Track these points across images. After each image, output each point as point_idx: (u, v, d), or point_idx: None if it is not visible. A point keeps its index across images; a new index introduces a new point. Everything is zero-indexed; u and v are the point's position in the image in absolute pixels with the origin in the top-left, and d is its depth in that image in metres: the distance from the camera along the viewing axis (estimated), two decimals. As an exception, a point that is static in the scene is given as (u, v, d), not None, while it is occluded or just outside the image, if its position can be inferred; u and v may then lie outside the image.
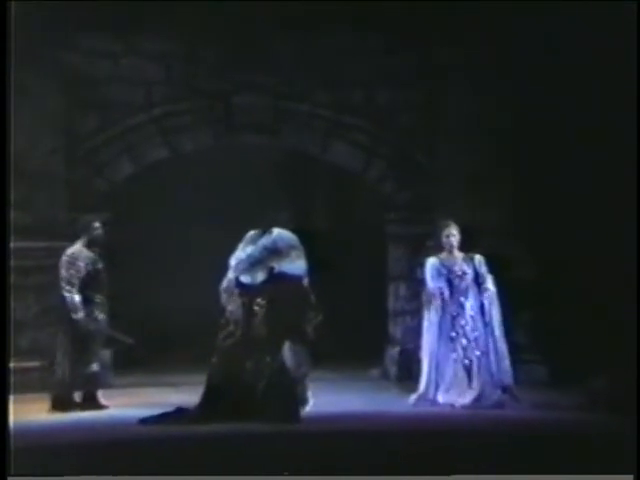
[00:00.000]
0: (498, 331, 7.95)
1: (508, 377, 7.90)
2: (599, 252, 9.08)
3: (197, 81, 9.53)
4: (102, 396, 7.87)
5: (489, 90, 9.46)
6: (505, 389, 7.87)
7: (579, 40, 8.52)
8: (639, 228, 7.70)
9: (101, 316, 7.83)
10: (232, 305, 7.30)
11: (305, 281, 7.44)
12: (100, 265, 7.90)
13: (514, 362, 8.02)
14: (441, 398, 7.90)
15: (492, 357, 7.88)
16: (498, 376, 7.87)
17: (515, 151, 9.47)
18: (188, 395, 7.64)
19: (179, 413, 7.20)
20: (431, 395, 7.91)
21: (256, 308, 7.24)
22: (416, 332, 8.29)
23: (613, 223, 8.76)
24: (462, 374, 7.91)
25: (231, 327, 7.26)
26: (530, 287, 9.37)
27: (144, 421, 7.04)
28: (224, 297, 7.38)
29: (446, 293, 7.97)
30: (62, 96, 9.25)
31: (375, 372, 9.87)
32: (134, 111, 9.49)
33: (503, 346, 7.92)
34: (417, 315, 8.36)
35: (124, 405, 7.87)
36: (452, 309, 7.99)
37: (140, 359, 9.55)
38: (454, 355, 7.93)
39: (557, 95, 8.96)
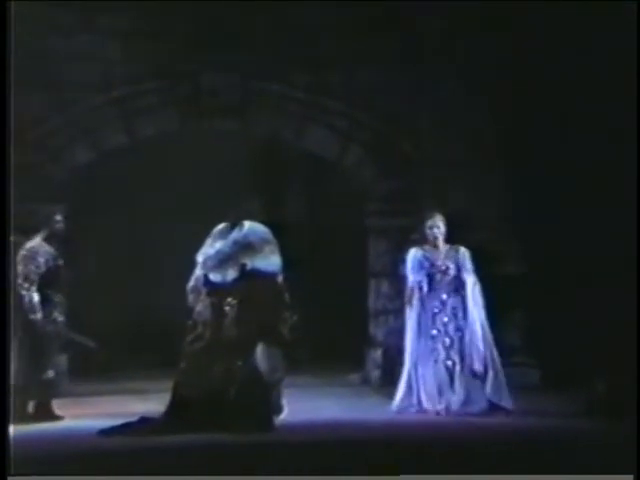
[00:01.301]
0: (480, 330, 7.94)
1: (479, 364, 7.90)
2: (596, 246, 9.16)
3: (160, 60, 9.52)
4: (57, 406, 7.79)
5: (479, 73, 9.55)
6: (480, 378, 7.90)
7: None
8: (639, 223, 7.86)
9: (60, 317, 7.78)
10: (200, 305, 7.28)
11: (279, 278, 7.43)
12: (60, 261, 7.82)
13: (504, 365, 8.05)
14: (423, 402, 7.93)
15: (475, 357, 7.90)
16: (470, 363, 7.88)
17: (507, 137, 9.55)
18: (153, 403, 7.63)
19: (143, 423, 7.18)
20: (414, 399, 7.95)
21: (226, 308, 7.22)
22: (399, 333, 8.34)
23: (612, 216, 8.87)
24: (444, 376, 7.94)
25: (199, 329, 7.25)
26: (522, 284, 9.48)
27: (104, 432, 7.00)
28: (191, 297, 7.36)
29: (424, 288, 8.02)
30: (10, 74, 9.18)
31: (355, 377, 9.92)
32: (91, 92, 9.47)
33: (481, 345, 7.91)
34: (400, 314, 8.41)
35: (82, 415, 7.82)
36: (433, 305, 8.03)
37: (101, 364, 9.51)
38: (435, 355, 7.97)
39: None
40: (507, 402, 7.85)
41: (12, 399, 6.07)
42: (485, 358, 7.91)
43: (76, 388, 8.95)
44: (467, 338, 7.95)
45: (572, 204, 9.41)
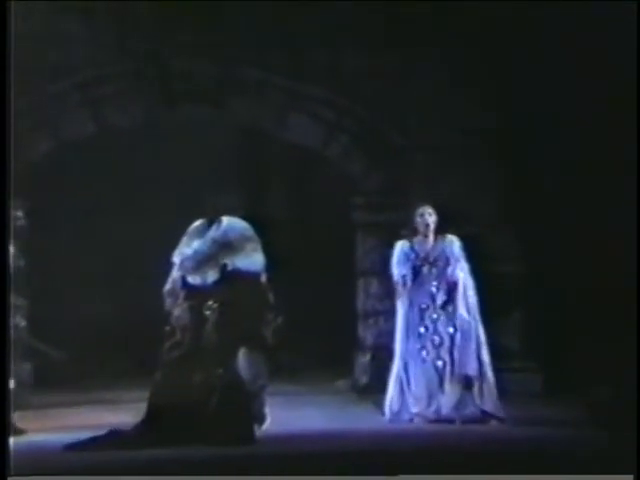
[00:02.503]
0: (473, 328, 7.94)
1: (470, 368, 7.90)
2: (600, 242, 9.22)
3: (128, 41, 9.50)
4: (18, 419, 7.69)
5: (475, 58, 9.59)
6: (468, 383, 7.91)
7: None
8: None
9: (22, 323, 7.83)
10: (178, 310, 7.28)
11: (263, 278, 7.44)
12: (22, 262, 7.87)
13: (501, 370, 8.10)
14: (411, 405, 7.96)
15: (466, 358, 7.91)
16: (459, 363, 7.91)
17: (506, 125, 9.60)
18: (126, 415, 7.63)
19: (113, 436, 7.16)
20: (404, 403, 7.97)
21: (207, 312, 7.24)
22: (390, 336, 8.36)
23: (616, 212, 8.93)
24: (433, 377, 7.95)
25: (177, 336, 7.25)
26: (521, 282, 9.52)
27: (71, 447, 6.99)
28: (168, 301, 7.35)
29: (409, 282, 8.03)
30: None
31: (343, 383, 9.97)
32: (52, 76, 9.42)
33: (473, 345, 7.94)
34: (391, 316, 8.44)
35: (46, 429, 7.80)
36: (420, 300, 8.04)
37: (68, 373, 9.52)
38: (423, 354, 7.98)
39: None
40: (497, 409, 7.87)
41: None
42: (477, 359, 7.92)
43: (40, 399, 8.90)
44: (458, 336, 7.96)
45: (575, 198, 9.49)
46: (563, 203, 9.54)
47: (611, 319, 8.85)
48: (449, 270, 8.06)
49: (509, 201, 9.69)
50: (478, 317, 8.04)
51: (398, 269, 8.11)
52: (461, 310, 8.00)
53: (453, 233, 8.29)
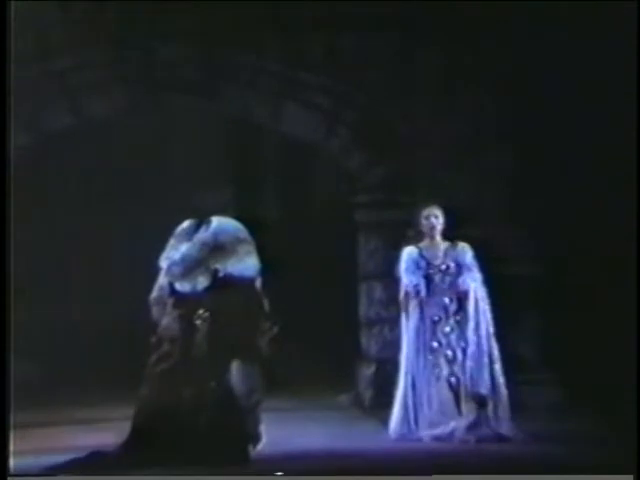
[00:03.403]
0: (485, 342, 7.95)
1: (483, 386, 7.91)
2: (620, 243, 9.14)
3: (108, 25, 9.45)
4: None
5: (484, 41, 9.55)
6: (481, 404, 7.87)
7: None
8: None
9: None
10: (166, 319, 7.27)
11: (257, 283, 7.43)
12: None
13: (516, 383, 8.08)
14: (422, 428, 7.92)
15: (468, 360, 7.92)
16: (471, 385, 7.90)
17: (519, 115, 9.57)
18: (109, 435, 7.59)
19: (95, 458, 7.14)
20: (412, 424, 7.95)
21: (197, 322, 7.22)
22: (396, 346, 8.32)
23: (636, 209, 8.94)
24: (448, 396, 7.94)
25: (165, 347, 7.23)
26: (536, 286, 9.49)
27: (49, 470, 6.95)
28: (155, 310, 7.34)
29: (423, 292, 8.02)
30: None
31: (345, 398, 9.97)
32: (24, 63, 9.35)
33: (486, 346, 7.94)
34: (397, 324, 8.41)
35: (22, 452, 7.61)
36: (432, 312, 8.05)
37: (45, 390, 9.50)
38: (437, 371, 7.97)
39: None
40: (513, 431, 7.84)
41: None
42: (490, 376, 7.92)
43: (14, 418, 8.86)
44: (470, 351, 7.94)
45: (595, 194, 9.48)
46: (582, 200, 9.54)
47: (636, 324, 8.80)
48: (460, 280, 8.07)
49: (524, 198, 9.67)
50: (492, 330, 8.02)
51: (409, 278, 8.10)
52: (472, 323, 7.99)
53: (463, 233, 8.24)
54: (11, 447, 7.69)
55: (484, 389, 7.89)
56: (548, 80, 9.53)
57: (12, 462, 7.21)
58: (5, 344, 6.25)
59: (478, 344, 7.93)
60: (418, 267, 8.09)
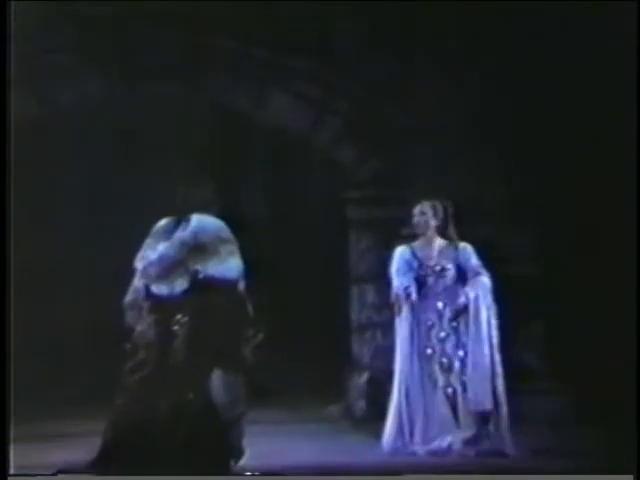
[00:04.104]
0: (488, 350, 7.87)
1: (488, 401, 7.84)
2: (629, 241, 9.06)
3: (77, 4, 9.38)
4: None
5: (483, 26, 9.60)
6: (484, 419, 7.82)
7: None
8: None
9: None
10: (142, 325, 7.19)
11: (240, 286, 7.35)
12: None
13: (519, 393, 8.04)
14: (417, 442, 7.87)
15: (470, 372, 7.85)
16: (474, 399, 7.83)
17: (520, 107, 9.59)
18: (77, 451, 7.49)
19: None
20: (405, 437, 7.90)
21: (175, 328, 7.13)
22: (390, 353, 8.29)
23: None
24: (444, 407, 7.90)
25: (141, 355, 7.14)
26: (541, 287, 9.49)
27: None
28: (130, 314, 7.27)
29: (413, 295, 7.96)
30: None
31: (335, 409, 9.97)
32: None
33: (488, 357, 7.89)
34: (390, 329, 8.37)
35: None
36: (427, 317, 7.99)
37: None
38: (432, 380, 7.94)
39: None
40: (514, 448, 7.80)
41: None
42: (492, 391, 7.87)
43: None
44: (469, 362, 7.89)
45: (602, 191, 9.48)
46: (587, 197, 9.55)
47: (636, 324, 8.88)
48: (464, 280, 8.00)
49: (526, 196, 9.68)
50: (495, 341, 7.94)
51: (399, 280, 8.05)
52: (473, 331, 7.92)
53: (461, 231, 8.19)
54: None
55: (489, 405, 7.82)
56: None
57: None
58: (5, 346, 6.39)
59: (481, 355, 7.84)
60: (410, 268, 8.04)
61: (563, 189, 9.60)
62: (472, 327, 7.92)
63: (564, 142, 9.62)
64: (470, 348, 7.90)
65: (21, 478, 5.90)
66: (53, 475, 6.77)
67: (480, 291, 7.97)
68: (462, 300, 7.95)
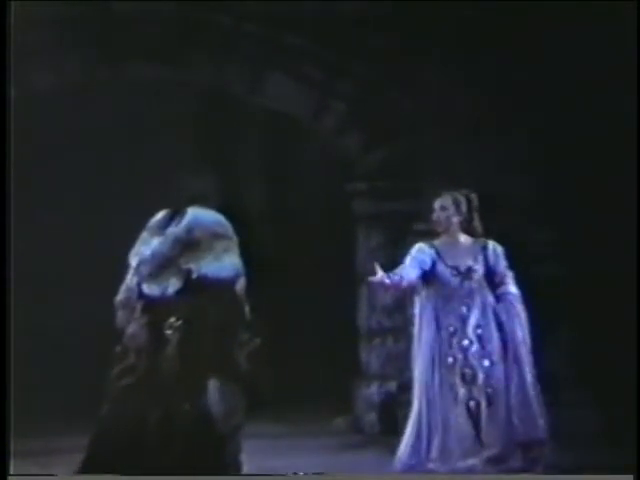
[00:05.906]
0: (524, 358, 7.93)
1: (537, 429, 7.88)
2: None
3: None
4: None
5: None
6: (529, 447, 7.85)
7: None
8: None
9: None
10: (133, 327, 7.19)
11: (238, 286, 7.36)
12: None
13: (549, 405, 8.03)
14: (433, 458, 7.87)
15: (513, 398, 7.86)
16: (522, 428, 7.84)
17: (540, 90, 9.66)
18: (59, 467, 7.59)
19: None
20: (422, 454, 7.90)
21: (168, 332, 7.14)
22: (401, 360, 8.50)
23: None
24: (466, 422, 7.90)
25: (131, 359, 7.14)
26: (571, 289, 9.59)
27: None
28: (121, 315, 7.26)
29: (404, 283, 7.79)
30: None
31: (342, 422, 10.05)
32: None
33: (530, 381, 7.92)
34: (402, 334, 8.59)
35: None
36: (449, 322, 7.97)
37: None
38: (453, 392, 7.94)
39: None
40: (537, 432, 7.84)
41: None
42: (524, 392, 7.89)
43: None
44: (499, 371, 7.89)
45: (628, 182, 9.52)
46: (619, 186, 9.61)
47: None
48: (492, 283, 7.99)
49: (550, 186, 9.73)
50: (528, 358, 7.94)
51: (405, 271, 7.87)
52: (514, 332, 7.91)
53: (483, 229, 8.16)
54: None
55: (541, 433, 7.83)
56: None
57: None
58: (5, 346, 6.62)
59: (510, 362, 7.88)
60: (423, 264, 7.93)
61: (592, 179, 9.63)
62: (513, 330, 7.86)
63: (598, 121, 9.69)
64: (496, 353, 7.86)
65: (21, 478, 6.08)
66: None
67: (515, 296, 7.96)
68: (504, 302, 7.92)
